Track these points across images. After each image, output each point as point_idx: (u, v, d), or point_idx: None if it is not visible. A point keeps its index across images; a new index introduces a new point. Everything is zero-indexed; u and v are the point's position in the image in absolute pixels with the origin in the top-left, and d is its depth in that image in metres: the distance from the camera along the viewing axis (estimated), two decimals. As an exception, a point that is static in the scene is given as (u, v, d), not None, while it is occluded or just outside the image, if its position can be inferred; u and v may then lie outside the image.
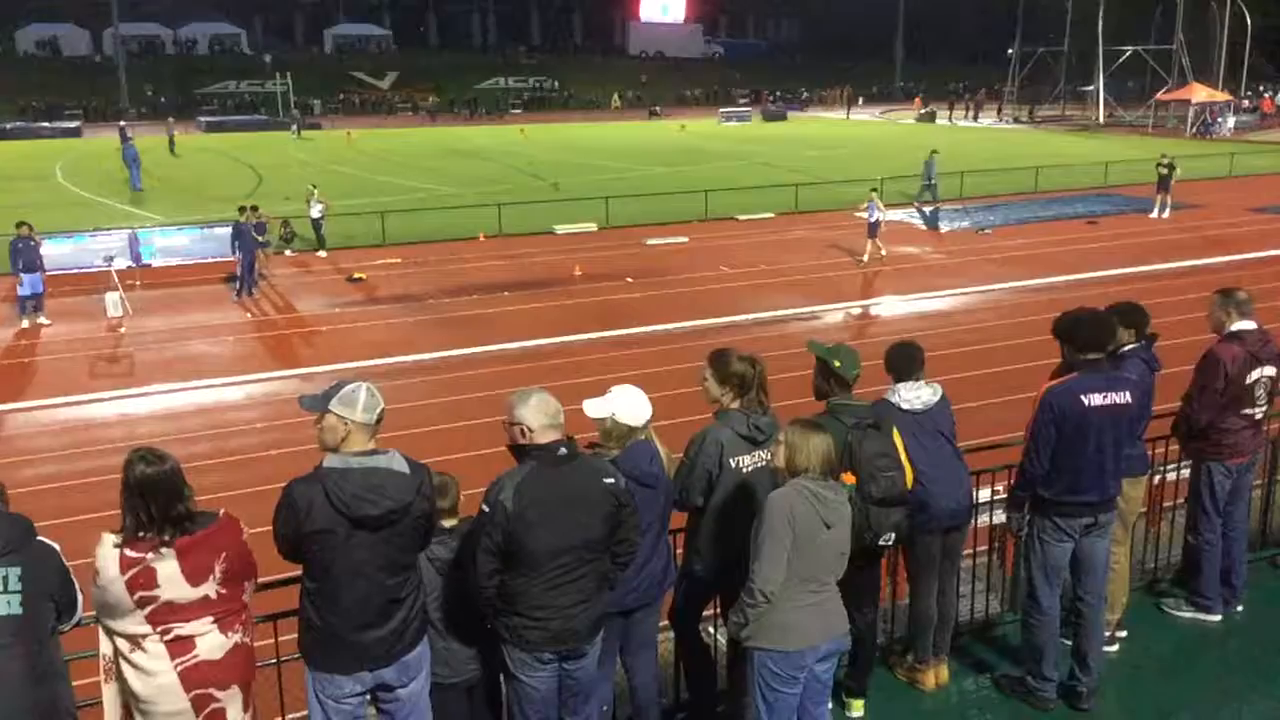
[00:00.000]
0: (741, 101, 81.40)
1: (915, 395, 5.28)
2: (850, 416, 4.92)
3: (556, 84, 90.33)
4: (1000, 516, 6.69)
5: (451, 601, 4.45)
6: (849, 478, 4.58)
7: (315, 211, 23.69)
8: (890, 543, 4.96)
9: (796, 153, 46.75)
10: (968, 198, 31.53)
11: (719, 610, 5.24)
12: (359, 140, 53.72)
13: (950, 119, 68.25)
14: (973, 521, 5.80)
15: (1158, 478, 6.69)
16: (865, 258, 22.35)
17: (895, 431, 5.07)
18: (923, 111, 70.04)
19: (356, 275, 21.48)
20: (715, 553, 4.88)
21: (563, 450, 4.12)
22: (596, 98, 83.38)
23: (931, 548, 5.42)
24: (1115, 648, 5.99)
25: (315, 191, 24.25)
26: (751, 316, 18.12)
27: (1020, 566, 6.02)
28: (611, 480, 4.20)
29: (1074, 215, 29.13)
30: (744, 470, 4.87)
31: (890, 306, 19.30)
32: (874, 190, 22.71)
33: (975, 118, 69.31)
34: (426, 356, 15.96)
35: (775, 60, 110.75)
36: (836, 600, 4.42)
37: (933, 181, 29.18)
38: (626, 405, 4.59)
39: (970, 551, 6.27)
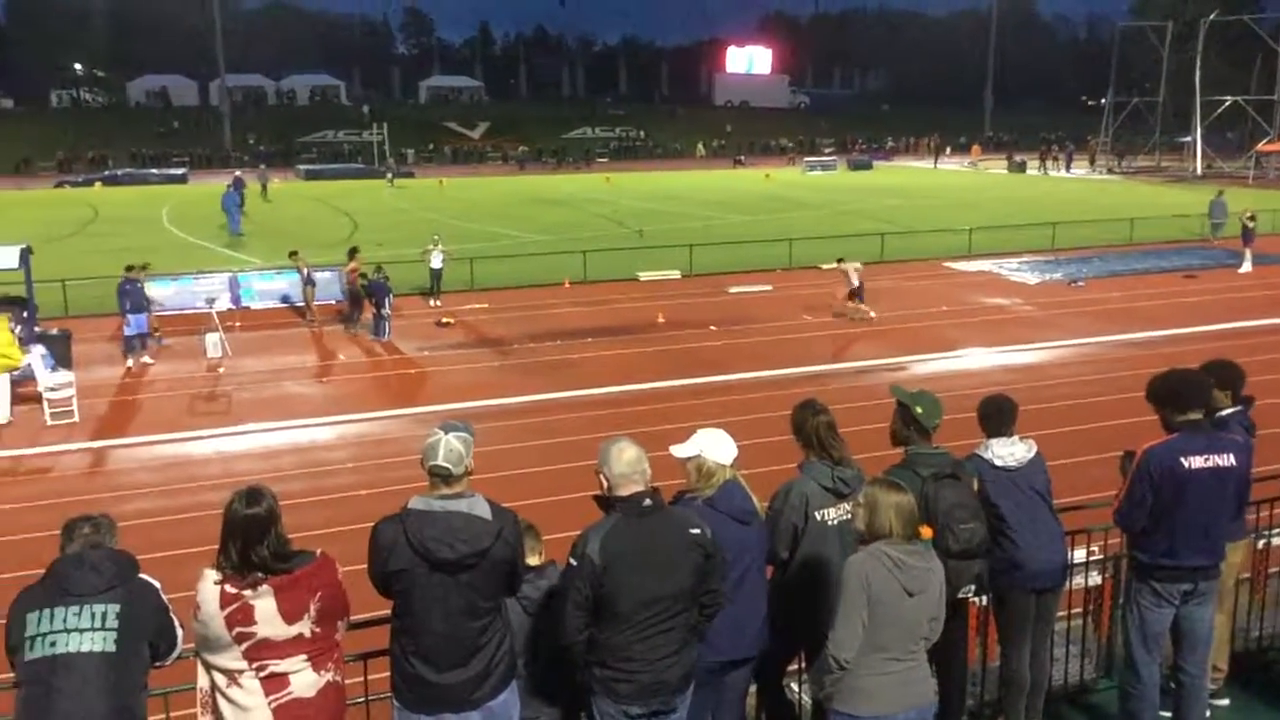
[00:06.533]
0: (826, 151, 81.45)
1: (1009, 451, 5.18)
2: (927, 467, 4.87)
3: (642, 134, 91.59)
4: (1096, 578, 6.51)
5: (535, 644, 4.48)
6: (926, 531, 4.49)
7: (436, 261, 23.88)
8: (970, 594, 4.87)
9: (882, 202, 46.47)
10: (1060, 249, 30.94)
11: (804, 666, 5.17)
12: (450, 188, 55.08)
13: (1042, 169, 67.18)
14: (1067, 583, 5.63)
15: (1262, 542, 6.44)
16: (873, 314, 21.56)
17: (977, 482, 4.99)
18: (1017, 160, 69.16)
19: (445, 320, 21.94)
20: (801, 607, 4.83)
21: (647, 502, 4.12)
22: (682, 147, 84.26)
23: (1025, 609, 5.28)
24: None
25: (439, 241, 24.45)
26: (835, 366, 17.97)
27: (1117, 632, 5.82)
28: (697, 530, 4.17)
29: (1171, 269, 28.33)
30: (830, 523, 4.83)
31: (979, 359, 18.95)
32: (840, 259, 22.54)
33: (1068, 168, 68.12)
34: (511, 400, 16.16)
35: (861, 109, 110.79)
36: (922, 669, 4.29)
37: (1222, 220, 32.00)
38: (713, 443, 4.60)
39: (1064, 614, 6.09)
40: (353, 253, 21.88)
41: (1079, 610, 6.46)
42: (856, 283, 21.46)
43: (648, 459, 4.20)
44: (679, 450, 4.62)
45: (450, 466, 3.98)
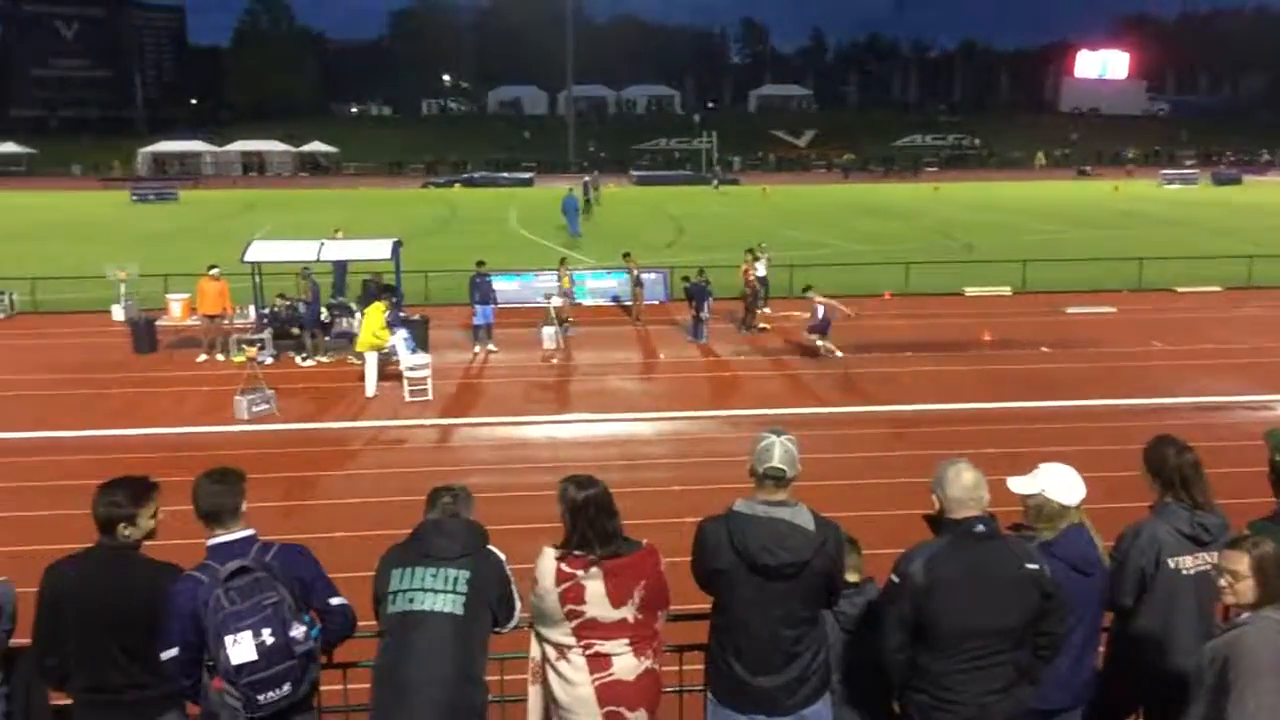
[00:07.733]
0: (1187, 163, 74.21)
1: None
2: None
3: (977, 141, 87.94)
4: None
5: (850, 660, 4.43)
6: None
7: (761, 269, 23.77)
8: None
9: (1252, 221, 41.66)
10: None
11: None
12: (773, 195, 55.57)
13: None
14: None
15: None
16: (839, 354, 19.04)
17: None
18: None
19: (762, 326, 22.14)
20: (1144, 661, 4.43)
21: (980, 528, 3.94)
22: (1019, 156, 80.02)
23: None
24: None
25: (765, 249, 24.55)
26: (1189, 400, 16.30)
27: None
28: (1035, 566, 3.93)
29: None
30: (1185, 573, 4.39)
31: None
32: (807, 288, 19.87)
33: None
34: (825, 410, 16.02)
35: (1231, 118, 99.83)
36: None
37: None
38: (1058, 482, 4.32)
39: None
40: (750, 253, 22.77)
41: None
42: (821, 316, 19.14)
43: (986, 485, 4.02)
44: (1019, 485, 4.37)
45: (785, 468, 4.04)
